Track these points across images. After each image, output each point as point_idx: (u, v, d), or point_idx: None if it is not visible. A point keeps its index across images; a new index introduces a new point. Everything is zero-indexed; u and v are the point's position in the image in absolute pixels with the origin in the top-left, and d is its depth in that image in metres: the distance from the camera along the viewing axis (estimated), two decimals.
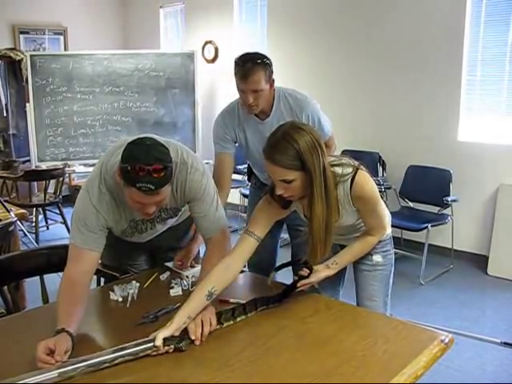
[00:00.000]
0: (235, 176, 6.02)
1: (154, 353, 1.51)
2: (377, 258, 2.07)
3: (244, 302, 1.82)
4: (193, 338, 1.57)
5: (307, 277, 1.87)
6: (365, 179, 1.81)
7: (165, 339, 1.52)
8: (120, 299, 1.93)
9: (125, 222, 1.95)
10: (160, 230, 2.16)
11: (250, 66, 2.33)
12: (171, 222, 2.15)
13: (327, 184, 1.69)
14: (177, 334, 1.56)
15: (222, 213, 1.97)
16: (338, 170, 1.79)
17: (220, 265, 1.74)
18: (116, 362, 1.46)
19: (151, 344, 1.51)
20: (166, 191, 1.67)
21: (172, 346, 1.53)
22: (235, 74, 2.39)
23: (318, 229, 1.71)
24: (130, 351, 1.49)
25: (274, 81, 2.43)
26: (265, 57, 2.40)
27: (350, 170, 1.79)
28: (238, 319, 1.74)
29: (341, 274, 2.26)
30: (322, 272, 1.89)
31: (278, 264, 2.71)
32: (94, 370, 1.43)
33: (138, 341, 1.53)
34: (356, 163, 1.83)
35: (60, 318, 1.60)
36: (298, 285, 1.86)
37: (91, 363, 1.43)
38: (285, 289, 1.91)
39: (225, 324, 1.70)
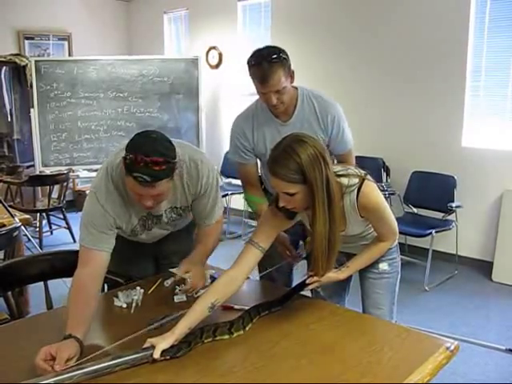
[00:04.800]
0: (239, 182, 6.04)
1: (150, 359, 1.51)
2: (383, 265, 2.06)
3: (247, 308, 1.81)
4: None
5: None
6: (371, 189, 1.79)
7: (162, 350, 1.52)
8: (124, 305, 1.93)
9: (135, 219, 1.96)
10: (170, 229, 2.17)
11: (267, 66, 2.09)
12: (179, 224, 2.17)
13: (331, 196, 1.66)
14: (175, 343, 1.56)
15: (221, 204, 2.10)
16: (344, 180, 1.77)
17: (224, 277, 1.74)
18: (114, 370, 1.45)
19: (149, 352, 1.50)
20: (164, 186, 1.68)
21: (168, 357, 1.53)
22: (251, 75, 2.17)
23: (321, 242, 1.70)
24: (126, 359, 1.48)
25: (293, 72, 2.20)
26: (280, 50, 2.15)
27: (356, 180, 1.78)
28: (247, 328, 1.73)
29: (346, 282, 2.25)
30: (332, 274, 1.87)
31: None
32: (91, 377, 1.42)
33: (119, 342, 1.54)
34: (362, 173, 1.82)
35: (68, 322, 1.59)
36: (308, 281, 1.85)
37: (88, 371, 1.42)
38: (294, 287, 1.92)
39: (235, 334, 1.68)
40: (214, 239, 2.10)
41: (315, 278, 1.83)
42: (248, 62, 2.18)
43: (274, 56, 2.11)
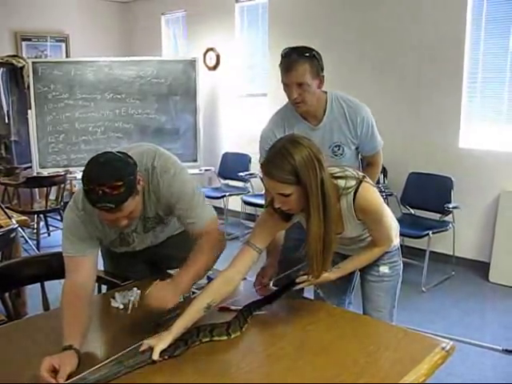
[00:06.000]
0: (236, 183, 6.06)
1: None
2: (384, 269, 2.06)
3: (241, 307, 1.81)
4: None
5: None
6: (368, 192, 1.77)
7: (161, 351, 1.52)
8: (121, 306, 1.93)
9: (113, 234, 1.97)
10: (153, 239, 2.15)
11: (295, 57, 2.16)
12: (163, 230, 2.15)
13: (326, 198, 1.65)
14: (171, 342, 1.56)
15: (205, 205, 1.93)
16: (341, 182, 1.76)
17: (220, 277, 1.74)
18: (116, 377, 1.45)
19: (147, 355, 1.50)
20: (132, 204, 1.65)
21: (166, 357, 1.53)
22: (279, 67, 2.23)
23: (315, 243, 1.68)
24: (126, 364, 1.47)
25: (323, 77, 2.24)
26: (313, 50, 2.22)
27: (353, 182, 1.76)
28: (244, 328, 1.72)
29: (347, 284, 2.25)
30: (323, 274, 1.84)
31: None
32: None
33: (131, 347, 1.52)
34: (360, 175, 1.80)
35: (66, 332, 1.57)
36: (298, 280, 1.84)
37: (90, 379, 1.41)
38: (284, 286, 1.91)
39: (233, 335, 1.68)
40: (208, 257, 1.82)
41: (305, 277, 1.82)
42: (281, 54, 2.23)
43: (306, 52, 2.18)
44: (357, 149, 2.44)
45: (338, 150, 2.34)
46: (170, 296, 1.66)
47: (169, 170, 1.87)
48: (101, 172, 1.58)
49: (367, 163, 2.55)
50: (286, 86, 2.22)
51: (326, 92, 2.34)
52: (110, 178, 1.56)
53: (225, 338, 1.67)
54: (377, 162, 2.52)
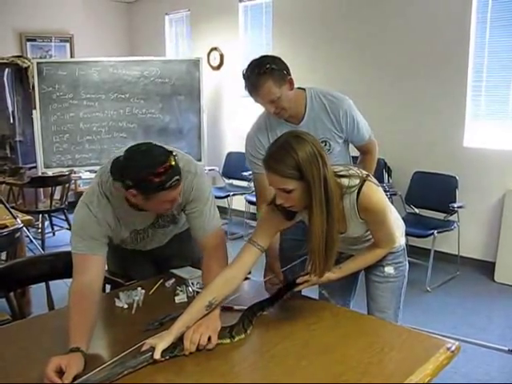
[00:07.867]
0: (240, 183, 6.06)
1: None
2: (389, 269, 2.04)
3: (245, 308, 1.81)
4: (186, 353, 1.56)
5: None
6: (372, 191, 1.75)
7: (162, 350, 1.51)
8: (125, 306, 1.93)
9: (126, 232, 1.97)
10: (162, 238, 2.16)
11: (255, 78, 2.11)
12: (172, 230, 2.16)
13: (329, 196, 1.63)
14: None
15: (216, 212, 1.98)
16: (345, 181, 1.74)
17: (222, 275, 1.72)
18: (117, 378, 1.44)
19: (148, 355, 1.50)
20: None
21: (167, 357, 1.53)
22: (245, 89, 2.21)
23: (318, 241, 1.66)
24: (128, 365, 1.47)
25: (291, 79, 2.18)
26: (270, 61, 2.14)
27: (357, 181, 1.74)
28: (249, 331, 1.71)
29: (352, 284, 2.24)
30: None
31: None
32: None
33: (132, 348, 1.52)
34: (364, 174, 1.78)
35: (72, 334, 1.55)
36: (298, 281, 1.81)
37: (92, 381, 1.40)
38: (284, 286, 1.90)
39: (236, 338, 1.66)
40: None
41: (306, 278, 1.79)
42: (242, 73, 2.20)
43: (262, 68, 2.11)
44: (345, 142, 2.42)
45: (325, 145, 2.31)
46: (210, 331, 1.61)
47: (191, 169, 1.90)
48: (154, 155, 1.63)
49: (362, 152, 2.54)
50: (260, 104, 2.21)
51: (304, 89, 2.31)
52: (163, 156, 1.63)
53: (228, 341, 1.65)
54: (370, 149, 2.51)
